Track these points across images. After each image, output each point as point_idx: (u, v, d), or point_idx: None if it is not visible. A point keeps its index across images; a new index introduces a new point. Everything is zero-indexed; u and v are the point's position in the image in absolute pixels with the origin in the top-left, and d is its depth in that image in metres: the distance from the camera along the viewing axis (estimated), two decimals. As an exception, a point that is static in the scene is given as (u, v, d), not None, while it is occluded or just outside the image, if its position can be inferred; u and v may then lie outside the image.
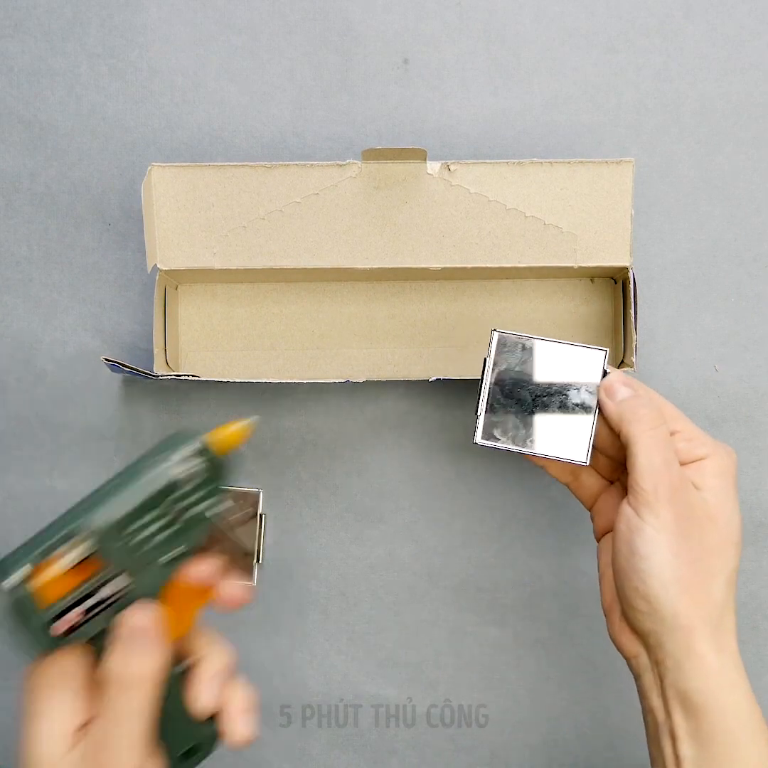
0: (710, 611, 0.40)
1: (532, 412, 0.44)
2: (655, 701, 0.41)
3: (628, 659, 0.43)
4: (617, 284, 0.54)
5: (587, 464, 0.44)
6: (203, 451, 0.35)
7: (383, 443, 0.56)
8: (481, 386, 0.45)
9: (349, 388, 0.56)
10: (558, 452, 0.44)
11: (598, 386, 0.44)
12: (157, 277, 0.52)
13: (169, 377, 0.51)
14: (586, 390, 0.44)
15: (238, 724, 0.36)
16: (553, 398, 0.44)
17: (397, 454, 0.56)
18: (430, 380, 0.51)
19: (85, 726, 0.34)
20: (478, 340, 0.56)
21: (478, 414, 0.45)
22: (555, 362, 0.45)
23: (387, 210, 0.52)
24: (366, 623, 0.56)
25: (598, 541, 0.47)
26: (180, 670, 0.37)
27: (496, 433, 0.45)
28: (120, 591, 0.35)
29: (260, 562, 0.56)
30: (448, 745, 0.56)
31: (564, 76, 0.56)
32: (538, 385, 0.45)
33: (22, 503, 0.57)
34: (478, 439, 0.45)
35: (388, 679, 0.56)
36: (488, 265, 0.52)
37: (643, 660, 0.41)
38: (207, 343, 0.56)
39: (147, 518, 0.34)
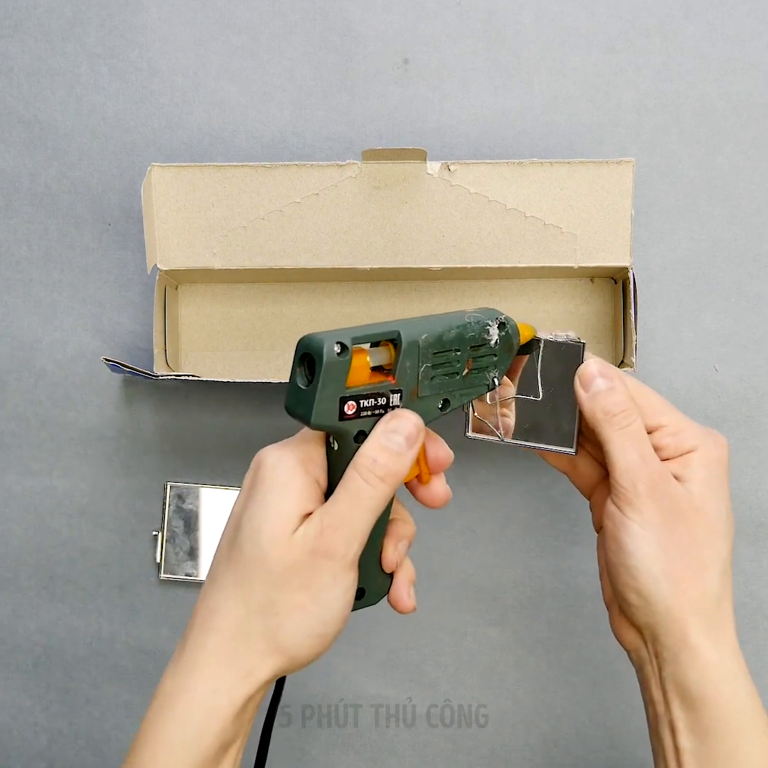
0: (705, 603, 0.39)
1: (521, 404, 0.44)
2: (655, 693, 0.41)
3: (628, 652, 0.43)
4: (617, 284, 0.54)
5: (575, 454, 0.44)
6: (504, 326, 0.40)
7: (383, 443, 0.56)
8: None
9: (349, 388, 0.56)
10: (547, 442, 0.44)
11: (575, 375, 0.43)
12: (157, 277, 0.52)
13: (169, 377, 0.51)
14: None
15: (405, 592, 0.40)
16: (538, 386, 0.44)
17: (397, 454, 0.56)
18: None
19: (308, 515, 0.36)
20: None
21: (467, 408, 0.45)
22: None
23: (387, 210, 0.52)
24: (366, 623, 0.56)
25: (598, 531, 0.47)
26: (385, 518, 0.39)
27: (486, 426, 0.45)
28: (390, 408, 0.37)
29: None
30: (448, 745, 0.56)
31: (564, 76, 0.56)
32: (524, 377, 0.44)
33: (22, 503, 0.57)
34: (469, 432, 0.45)
35: (388, 679, 0.56)
36: (488, 265, 0.52)
37: (642, 653, 0.41)
38: (207, 343, 0.56)
39: (445, 357, 0.38)
